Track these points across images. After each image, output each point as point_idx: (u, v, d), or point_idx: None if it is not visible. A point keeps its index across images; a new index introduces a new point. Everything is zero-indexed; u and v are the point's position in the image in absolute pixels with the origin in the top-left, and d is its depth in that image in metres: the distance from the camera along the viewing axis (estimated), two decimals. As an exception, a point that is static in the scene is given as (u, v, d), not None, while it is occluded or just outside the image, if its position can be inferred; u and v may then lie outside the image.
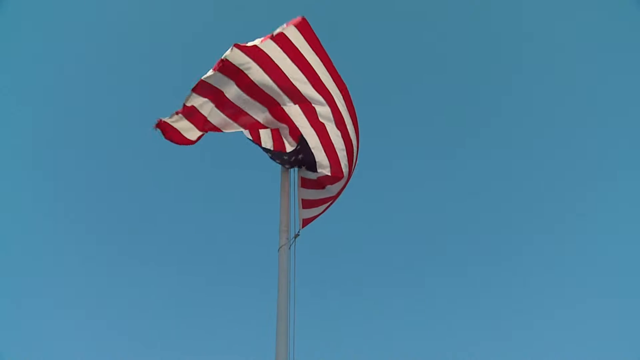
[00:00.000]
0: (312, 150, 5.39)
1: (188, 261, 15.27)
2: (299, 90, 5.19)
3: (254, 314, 13.41)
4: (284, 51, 5.00)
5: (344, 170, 5.45)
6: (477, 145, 16.98)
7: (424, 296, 14.68)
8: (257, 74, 5.02)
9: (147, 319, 13.79)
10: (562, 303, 13.62)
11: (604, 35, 15.36)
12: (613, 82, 15.38)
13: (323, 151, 5.41)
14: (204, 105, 5.07)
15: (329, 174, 5.45)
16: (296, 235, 5.36)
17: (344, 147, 5.43)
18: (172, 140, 5.07)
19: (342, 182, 5.57)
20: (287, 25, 5.00)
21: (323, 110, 5.27)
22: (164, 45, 17.16)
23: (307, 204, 5.67)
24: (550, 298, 13.86)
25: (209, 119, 5.12)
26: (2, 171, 14.11)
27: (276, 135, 5.61)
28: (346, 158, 5.46)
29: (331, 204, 5.79)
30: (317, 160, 5.43)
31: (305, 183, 5.67)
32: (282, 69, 5.05)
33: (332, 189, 5.61)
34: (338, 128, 5.36)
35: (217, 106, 5.13)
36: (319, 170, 5.49)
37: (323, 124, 5.32)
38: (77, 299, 13.51)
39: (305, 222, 5.71)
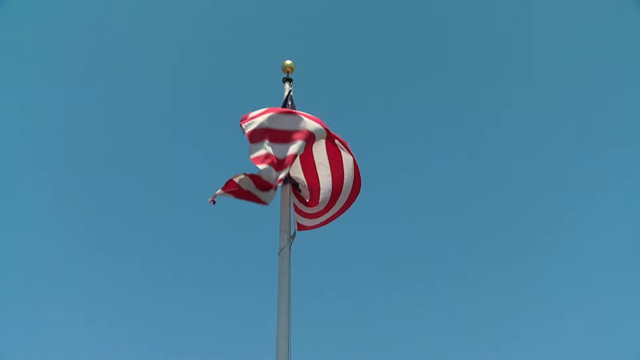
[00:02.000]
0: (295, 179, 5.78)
1: (188, 262, 15.32)
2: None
3: (254, 315, 13.46)
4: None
5: (319, 204, 5.69)
6: (480, 148, 17.04)
7: (424, 298, 14.73)
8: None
9: (147, 320, 13.84)
10: (562, 303, 13.66)
11: (605, 35, 15.39)
12: (614, 83, 15.42)
13: (305, 182, 5.80)
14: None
15: (307, 199, 5.80)
16: (292, 237, 5.39)
17: (330, 189, 5.71)
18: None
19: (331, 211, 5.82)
20: None
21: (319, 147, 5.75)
22: (163, 44, 17.20)
23: (298, 211, 5.92)
24: (551, 299, 13.91)
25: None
26: (1, 171, 14.14)
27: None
28: (330, 193, 5.69)
29: (324, 223, 5.97)
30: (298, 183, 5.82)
31: (295, 192, 5.91)
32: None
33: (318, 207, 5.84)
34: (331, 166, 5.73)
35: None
36: (301, 189, 5.83)
37: (315, 163, 5.73)
38: (77, 299, 13.55)
39: (301, 227, 5.92)
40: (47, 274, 13.74)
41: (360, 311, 14.27)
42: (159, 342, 13.21)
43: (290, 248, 5.36)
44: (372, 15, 17.89)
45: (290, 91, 6.54)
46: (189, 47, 17.37)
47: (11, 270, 12.99)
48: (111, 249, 14.87)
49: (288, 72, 6.61)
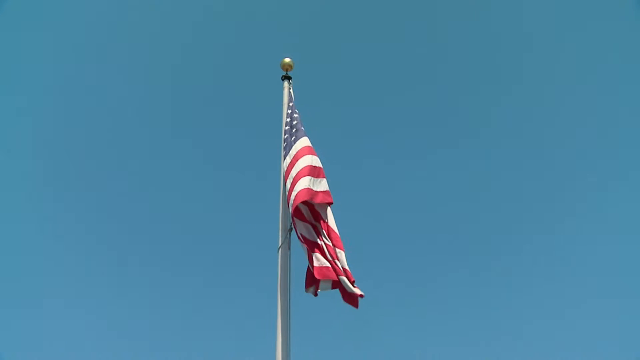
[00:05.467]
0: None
1: (188, 262, 15.32)
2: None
3: (253, 314, 13.45)
4: None
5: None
6: (480, 146, 17.04)
7: (424, 296, 14.71)
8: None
9: (147, 320, 13.82)
10: (562, 303, 13.65)
11: (605, 35, 15.41)
12: (614, 83, 15.42)
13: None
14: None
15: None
16: (289, 230, 5.37)
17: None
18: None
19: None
20: None
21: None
22: (163, 44, 17.23)
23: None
24: (551, 298, 13.89)
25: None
26: (2, 171, 14.15)
27: None
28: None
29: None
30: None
31: None
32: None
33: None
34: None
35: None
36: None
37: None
38: (77, 299, 13.54)
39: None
40: (47, 273, 13.75)
41: (360, 309, 14.21)
42: (159, 342, 13.21)
43: (289, 244, 5.36)
44: (371, 14, 17.93)
45: (290, 91, 6.52)
46: (189, 46, 17.41)
47: (11, 270, 13.00)
48: (111, 248, 14.88)
49: (287, 70, 6.57)
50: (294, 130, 5.92)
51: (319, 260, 4.98)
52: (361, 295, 4.64)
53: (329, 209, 5.27)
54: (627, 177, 14.71)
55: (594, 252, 14.45)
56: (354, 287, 4.68)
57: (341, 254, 4.91)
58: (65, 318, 13.13)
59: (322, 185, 5.33)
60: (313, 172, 5.36)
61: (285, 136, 6.01)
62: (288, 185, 5.39)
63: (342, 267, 4.81)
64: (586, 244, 14.79)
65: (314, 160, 5.49)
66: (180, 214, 16.10)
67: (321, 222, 5.19)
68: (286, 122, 6.17)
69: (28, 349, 11.89)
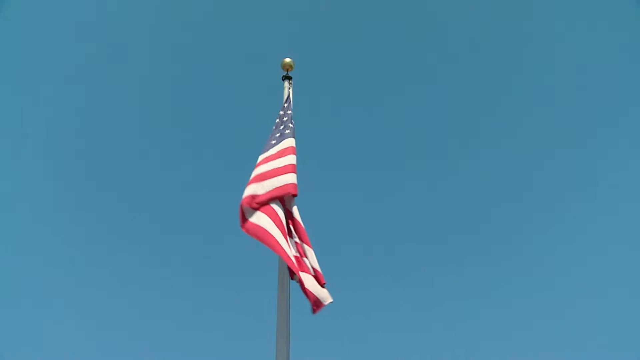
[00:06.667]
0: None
1: (186, 261, 15.32)
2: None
3: (252, 313, 13.46)
4: None
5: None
6: (476, 148, 17.05)
7: (423, 297, 14.71)
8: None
9: (147, 320, 13.82)
10: (562, 303, 13.66)
11: (604, 35, 15.41)
12: (613, 82, 15.42)
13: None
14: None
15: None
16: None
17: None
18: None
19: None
20: None
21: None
22: (163, 44, 17.23)
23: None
24: (551, 298, 13.89)
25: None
26: (1, 170, 14.15)
27: None
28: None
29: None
30: None
31: None
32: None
33: None
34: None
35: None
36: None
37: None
38: (77, 299, 13.54)
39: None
40: (47, 273, 13.74)
41: (359, 310, 14.25)
42: (159, 342, 13.21)
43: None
44: (371, 13, 17.94)
45: (289, 91, 6.52)
46: (188, 46, 17.41)
47: (11, 270, 13.00)
48: (111, 248, 14.87)
49: (287, 70, 6.59)
50: (277, 135, 5.86)
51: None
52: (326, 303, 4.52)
53: (294, 206, 5.08)
54: (626, 177, 14.74)
55: (594, 252, 14.49)
56: (323, 288, 4.56)
57: (310, 252, 4.77)
58: (65, 318, 13.15)
59: (281, 180, 5.12)
60: (266, 175, 5.19)
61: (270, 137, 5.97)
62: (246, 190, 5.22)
63: (312, 267, 4.68)
64: (586, 245, 14.82)
65: (278, 163, 5.31)
66: (179, 213, 16.12)
67: (288, 219, 5.05)
68: (275, 123, 6.13)
69: (28, 349, 11.91)
